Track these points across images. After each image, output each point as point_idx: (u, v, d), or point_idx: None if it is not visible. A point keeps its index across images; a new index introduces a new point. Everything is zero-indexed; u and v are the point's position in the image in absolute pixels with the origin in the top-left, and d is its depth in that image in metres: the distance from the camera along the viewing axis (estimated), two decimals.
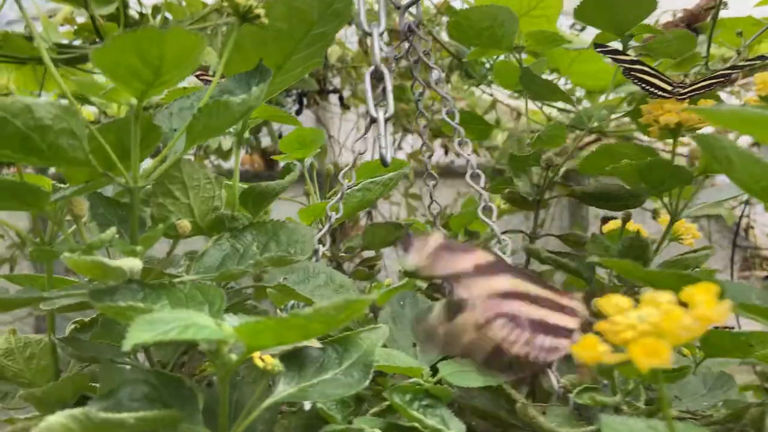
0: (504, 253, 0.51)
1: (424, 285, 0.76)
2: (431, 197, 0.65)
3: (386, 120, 0.55)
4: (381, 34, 0.56)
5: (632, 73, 0.52)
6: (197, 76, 0.64)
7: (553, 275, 0.69)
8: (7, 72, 0.68)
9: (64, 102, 0.34)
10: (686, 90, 0.51)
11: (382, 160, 0.55)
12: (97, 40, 1.07)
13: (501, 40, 0.63)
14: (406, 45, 0.59)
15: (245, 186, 0.48)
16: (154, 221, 0.42)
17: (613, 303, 0.27)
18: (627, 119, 1.35)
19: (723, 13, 0.83)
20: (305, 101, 1.87)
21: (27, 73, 0.86)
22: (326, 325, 0.31)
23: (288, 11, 0.42)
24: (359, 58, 1.70)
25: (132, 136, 0.36)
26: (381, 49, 0.55)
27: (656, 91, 0.51)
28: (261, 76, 0.42)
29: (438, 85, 0.56)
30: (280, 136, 1.87)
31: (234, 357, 0.33)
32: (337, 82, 1.86)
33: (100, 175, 0.36)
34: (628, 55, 0.54)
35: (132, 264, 0.34)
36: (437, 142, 1.71)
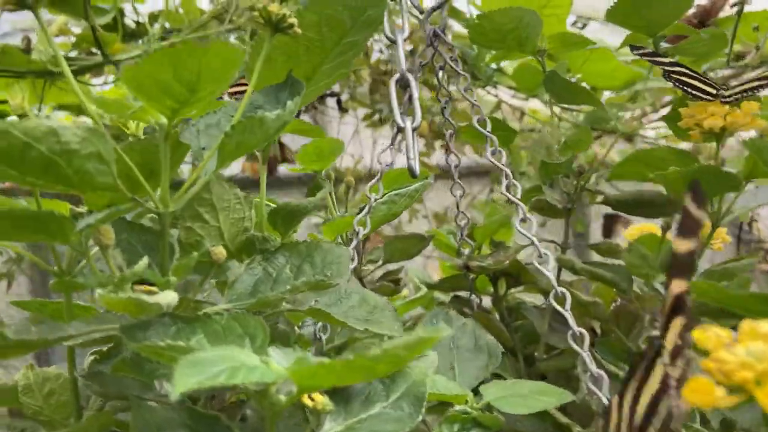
0: (543, 266, 0.48)
1: (446, 298, 0.74)
2: (458, 208, 0.63)
3: (413, 129, 0.52)
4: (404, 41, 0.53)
5: (672, 75, 0.49)
6: None
7: (579, 285, 0.66)
8: (21, 90, 0.65)
9: (87, 122, 0.32)
10: (731, 92, 0.48)
11: (411, 171, 0.52)
12: (94, 50, 1.04)
13: (525, 42, 0.60)
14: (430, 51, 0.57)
15: (273, 204, 0.46)
16: (182, 247, 0.39)
17: (713, 336, 0.24)
18: (628, 116, 1.33)
19: (736, 9, 0.80)
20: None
21: (25, 88, 0.82)
22: (394, 366, 0.29)
23: (319, 20, 0.40)
24: (358, 61, 1.67)
25: (162, 158, 0.34)
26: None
27: (699, 94, 0.49)
28: (292, 89, 0.39)
29: (467, 92, 0.53)
30: (279, 143, 1.84)
31: (283, 398, 0.30)
32: (335, 85, 1.83)
33: (127, 200, 0.34)
34: (666, 56, 0.51)
35: (169, 298, 0.31)
36: (437, 143, 1.68)
